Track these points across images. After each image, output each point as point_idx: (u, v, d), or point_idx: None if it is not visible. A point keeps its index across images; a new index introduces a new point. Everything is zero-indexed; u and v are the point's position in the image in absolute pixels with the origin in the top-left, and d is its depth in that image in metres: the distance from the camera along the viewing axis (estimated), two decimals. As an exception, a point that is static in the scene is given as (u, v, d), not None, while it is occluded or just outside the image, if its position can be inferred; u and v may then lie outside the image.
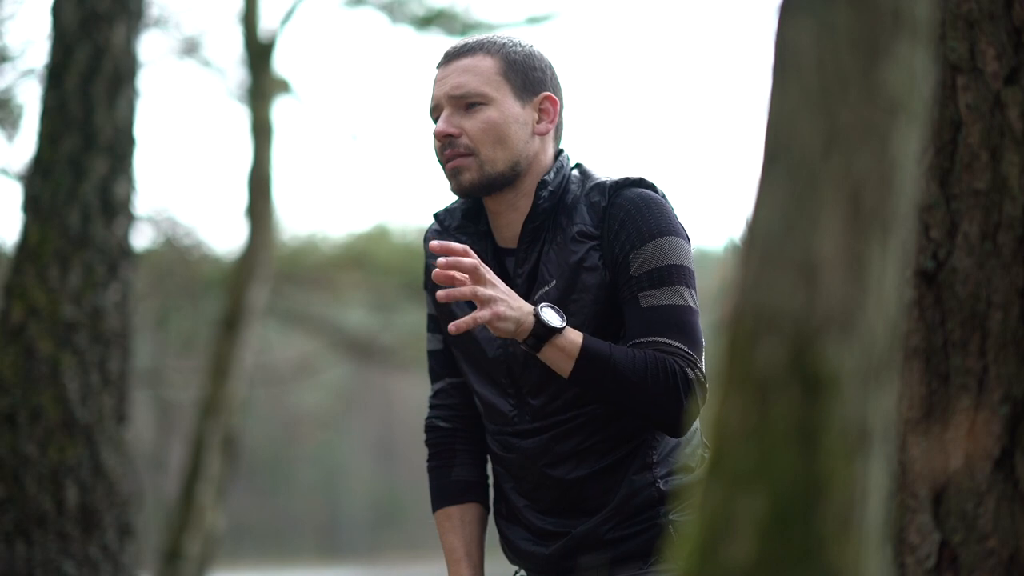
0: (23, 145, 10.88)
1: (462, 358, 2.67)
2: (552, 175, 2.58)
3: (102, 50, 4.85)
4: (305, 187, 24.50)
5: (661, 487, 2.56)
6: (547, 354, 2.46)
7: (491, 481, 2.75)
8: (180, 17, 11.73)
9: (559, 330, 2.44)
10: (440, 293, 2.42)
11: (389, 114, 25.85)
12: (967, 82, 2.02)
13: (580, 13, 26.65)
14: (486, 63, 2.58)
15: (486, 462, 2.75)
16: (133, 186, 4.89)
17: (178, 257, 13.30)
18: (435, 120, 2.61)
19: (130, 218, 4.87)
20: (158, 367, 15.27)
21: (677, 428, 2.49)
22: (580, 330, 2.52)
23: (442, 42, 11.82)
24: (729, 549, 1.29)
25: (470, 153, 2.55)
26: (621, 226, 2.52)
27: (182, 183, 24.29)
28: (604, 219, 2.54)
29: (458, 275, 2.41)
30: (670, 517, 2.55)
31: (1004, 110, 2.00)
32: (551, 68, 2.64)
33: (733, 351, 1.33)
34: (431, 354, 2.75)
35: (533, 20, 11.47)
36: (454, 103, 2.57)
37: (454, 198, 2.67)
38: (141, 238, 12.35)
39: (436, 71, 2.63)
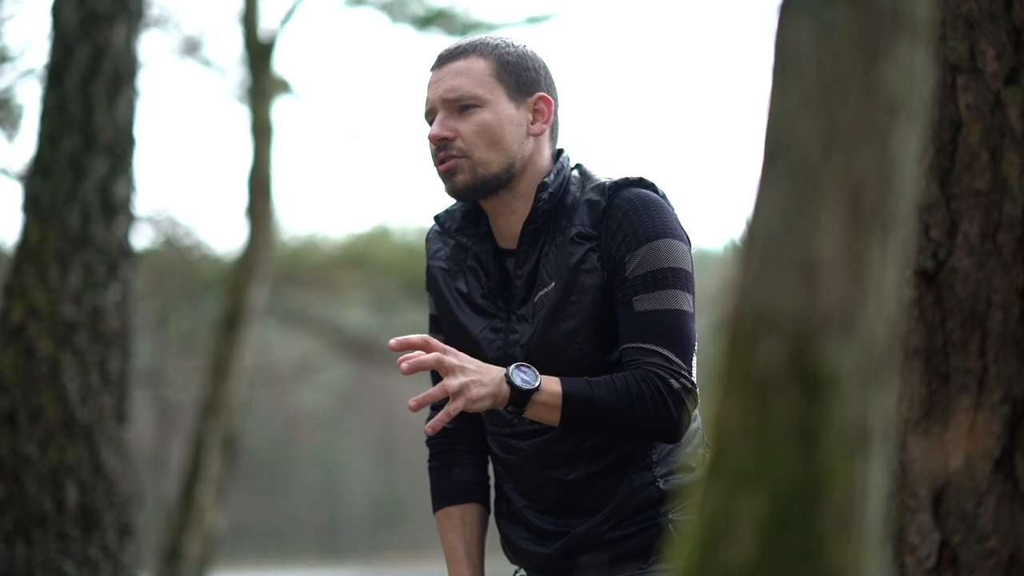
0: (23, 145, 10.89)
1: (462, 359, 2.67)
2: (552, 177, 2.58)
3: (102, 50, 4.85)
4: (305, 187, 24.51)
5: (661, 486, 2.56)
6: (531, 413, 2.47)
7: (492, 481, 2.75)
8: (180, 17, 11.74)
9: (535, 389, 2.44)
10: (404, 366, 2.41)
11: (389, 114, 25.84)
12: (967, 82, 2.02)
13: (580, 13, 26.65)
14: (479, 65, 2.58)
15: (487, 462, 2.75)
16: (133, 186, 4.89)
17: (178, 257, 13.30)
18: (430, 123, 2.61)
19: (130, 218, 4.88)
20: (158, 367, 15.27)
21: (672, 438, 2.50)
22: (579, 332, 2.52)
23: (442, 42, 11.82)
24: (729, 549, 1.29)
25: (464, 155, 2.55)
26: (618, 227, 2.52)
27: (182, 183, 24.31)
28: (602, 220, 2.54)
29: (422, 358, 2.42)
30: (670, 516, 2.55)
31: (1004, 110, 2.00)
32: (545, 68, 2.64)
33: (733, 351, 1.33)
34: (432, 354, 2.75)
35: (533, 20, 11.47)
36: (448, 106, 2.57)
37: (452, 200, 2.68)
38: (141, 238, 12.36)
39: (430, 74, 2.63)
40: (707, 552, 1.30)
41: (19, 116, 10.19)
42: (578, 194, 2.58)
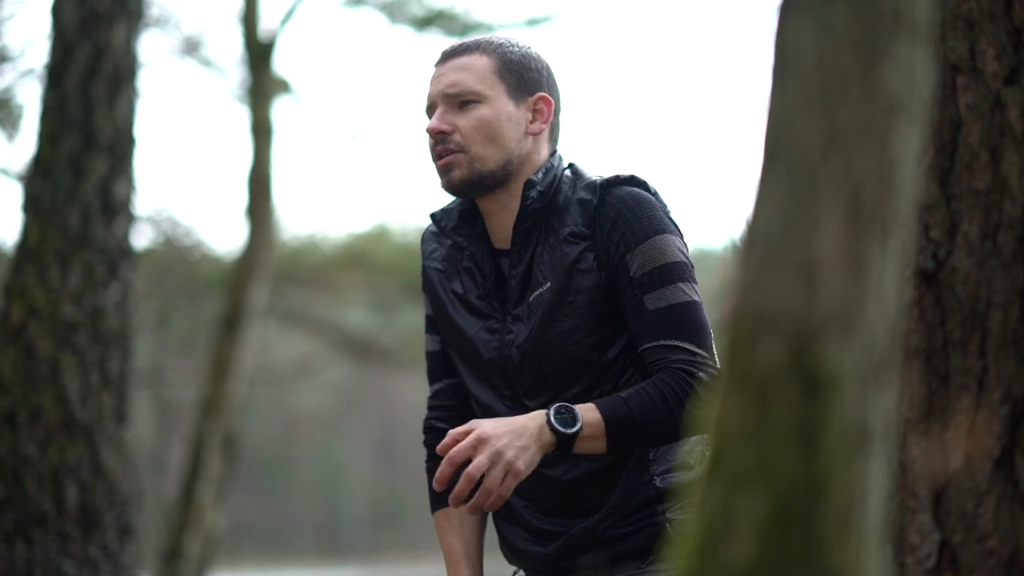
0: (23, 145, 10.89)
1: (458, 360, 2.67)
2: (540, 175, 2.58)
3: (102, 50, 4.85)
4: (305, 187, 24.50)
5: (659, 485, 2.56)
6: (579, 448, 2.46)
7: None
8: (180, 17, 11.74)
9: (580, 429, 2.44)
10: (439, 486, 2.41)
11: (389, 114, 25.84)
12: (967, 82, 2.02)
13: (580, 14, 26.65)
14: (481, 62, 2.59)
15: (486, 462, 2.74)
16: (133, 186, 4.89)
17: (178, 257, 13.31)
18: (430, 118, 2.61)
19: (130, 218, 4.88)
20: (158, 367, 15.27)
21: None
22: (575, 332, 2.52)
23: (442, 43, 11.82)
24: (729, 549, 1.29)
25: (461, 150, 2.56)
26: (613, 227, 2.53)
27: (182, 183, 24.30)
28: (595, 219, 2.54)
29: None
30: (668, 515, 2.55)
31: (1004, 110, 2.00)
32: (548, 69, 2.65)
33: (733, 351, 1.33)
34: (429, 355, 2.75)
35: (533, 22, 11.47)
36: (448, 101, 2.58)
37: (450, 198, 2.68)
38: (141, 238, 12.36)
39: (433, 69, 2.64)
40: (707, 552, 1.30)
41: (19, 116, 10.19)
42: (570, 193, 2.59)
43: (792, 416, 1.29)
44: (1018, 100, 1.99)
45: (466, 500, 2.41)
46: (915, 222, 2.00)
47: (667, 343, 2.50)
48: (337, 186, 27.76)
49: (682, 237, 2.57)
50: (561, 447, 2.44)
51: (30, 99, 10.16)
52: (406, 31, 12.54)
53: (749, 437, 1.30)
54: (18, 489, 4.51)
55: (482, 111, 2.57)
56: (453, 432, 2.42)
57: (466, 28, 11.31)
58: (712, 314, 2.55)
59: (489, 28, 11.19)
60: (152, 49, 12.66)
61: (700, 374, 2.48)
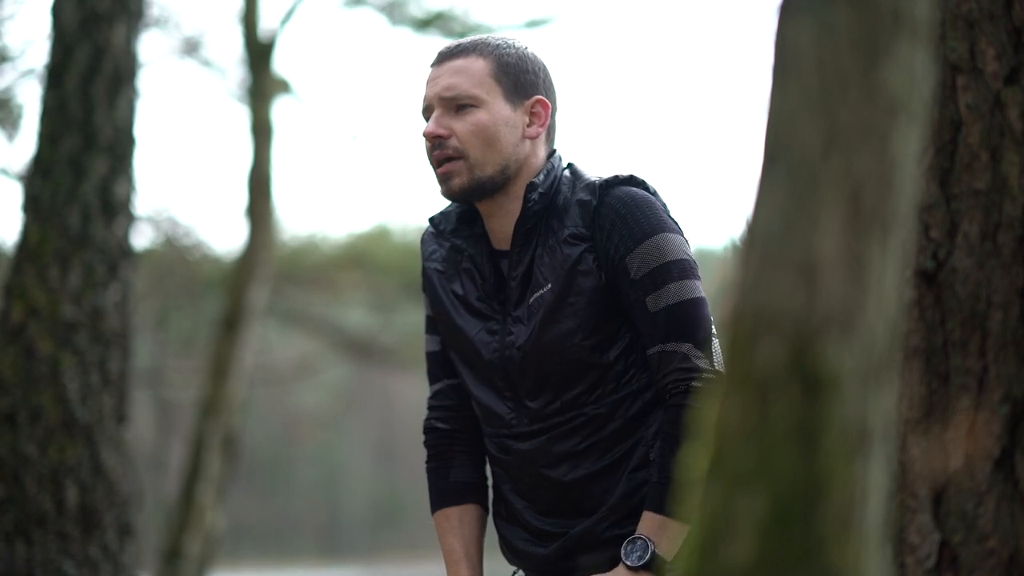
0: (23, 145, 10.89)
1: (459, 361, 2.67)
2: (542, 177, 2.58)
3: (102, 50, 4.84)
4: (305, 187, 24.50)
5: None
6: (670, 551, 2.48)
7: (490, 482, 2.75)
8: (180, 17, 11.73)
9: (655, 551, 2.47)
10: None
11: (389, 114, 25.84)
12: (967, 82, 2.02)
13: (580, 15, 26.64)
14: (478, 65, 2.58)
15: (485, 463, 2.75)
16: (133, 186, 4.89)
17: (178, 257, 13.30)
18: (427, 119, 2.61)
19: (130, 218, 4.87)
20: (158, 367, 15.27)
21: None
22: (576, 333, 2.53)
23: (441, 44, 11.81)
24: (729, 549, 1.29)
25: (459, 156, 2.55)
26: (613, 227, 2.53)
27: (182, 183, 24.30)
28: (595, 220, 2.54)
29: None
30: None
31: (1004, 110, 2.00)
32: (545, 71, 2.64)
33: (733, 351, 1.33)
34: (429, 355, 2.75)
35: (532, 23, 11.46)
36: (445, 104, 2.57)
37: (447, 201, 2.68)
38: (141, 238, 12.36)
39: (430, 70, 2.63)
40: (707, 552, 1.30)
41: (19, 116, 10.19)
42: (569, 194, 2.58)
43: (792, 416, 1.29)
44: (1018, 100, 1.99)
45: None
46: (915, 222, 2.00)
47: (666, 347, 2.51)
48: (337, 186, 27.77)
49: (682, 234, 2.57)
50: (657, 568, 2.48)
51: (30, 99, 10.17)
52: (406, 32, 12.54)
53: (749, 437, 1.30)
54: (18, 489, 4.51)
55: (479, 115, 2.56)
56: None
57: (466, 29, 11.31)
58: (712, 314, 2.55)
59: (488, 30, 11.19)
60: (152, 49, 12.67)
61: (695, 384, 2.49)
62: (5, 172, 10.28)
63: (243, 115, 15.60)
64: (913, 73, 1.35)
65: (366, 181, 30.36)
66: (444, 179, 2.57)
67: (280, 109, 21.61)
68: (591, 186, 2.57)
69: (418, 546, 20.86)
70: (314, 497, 26.26)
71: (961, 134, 2.02)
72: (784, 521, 1.28)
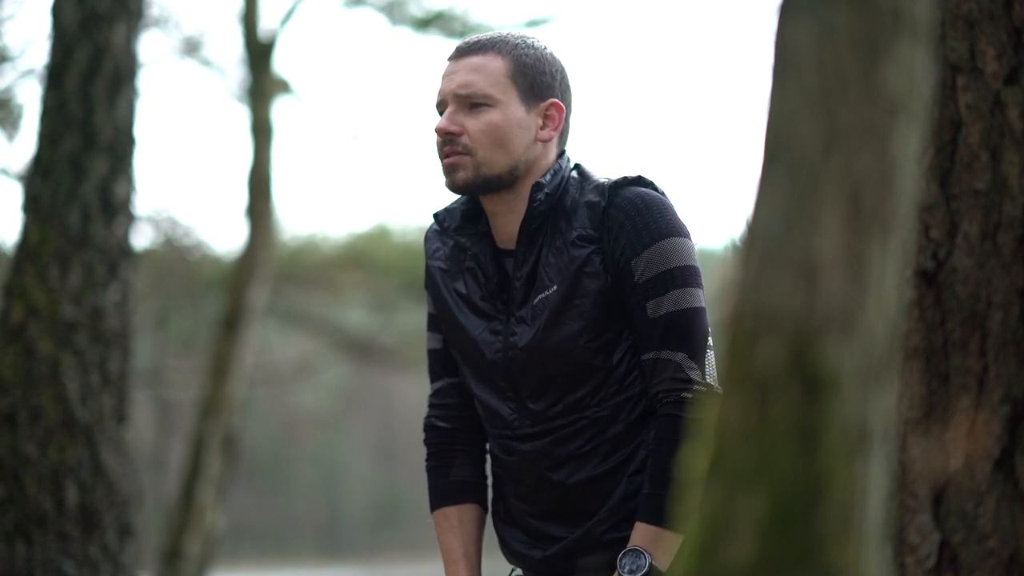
0: (23, 145, 10.88)
1: (462, 361, 2.67)
2: (548, 177, 2.57)
3: (102, 50, 4.84)
4: (305, 187, 24.49)
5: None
6: (670, 555, 2.48)
7: (489, 481, 2.75)
8: (180, 17, 11.73)
9: (652, 562, 2.47)
10: None
11: (389, 114, 25.83)
12: (967, 82, 2.02)
13: (580, 15, 26.63)
14: (495, 64, 2.56)
15: (485, 462, 2.74)
16: (133, 186, 4.89)
17: (178, 257, 13.30)
18: (440, 114, 2.59)
19: (130, 218, 4.87)
20: (158, 367, 15.26)
21: None
22: (580, 335, 2.53)
23: (442, 43, 11.83)
24: (729, 549, 1.29)
25: (468, 153, 2.54)
26: (621, 229, 2.52)
27: (182, 183, 24.28)
28: (603, 221, 2.53)
29: None
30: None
31: (1004, 110, 2.00)
32: (562, 72, 2.62)
33: (733, 351, 1.33)
34: (431, 353, 2.75)
35: (533, 23, 11.46)
36: (459, 101, 2.56)
37: (453, 197, 2.67)
38: (141, 238, 12.35)
39: (446, 64, 2.61)
40: (707, 552, 1.30)
41: (19, 116, 10.19)
42: (577, 195, 2.57)
43: (792, 416, 1.29)
44: (1018, 100, 1.99)
45: None
46: (915, 222, 2.00)
47: (660, 355, 2.50)
48: (337, 186, 27.75)
49: (690, 238, 2.56)
50: None
51: (30, 99, 10.16)
52: (406, 32, 12.54)
53: (749, 437, 1.30)
54: (18, 489, 4.51)
55: (492, 115, 2.54)
56: None
57: (466, 29, 11.31)
58: (713, 314, 2.55)
59: (489, 29, 11.14)
60: (152, 49, 12.66)
61: (686, 395, 2.49)
62: (5, 172, 10.28)
63: (243, 115, 15.60)
64: (913, 73, 1.35)
65: (366, 181, 30.34)
66: (449, 171, 2.55)
67: (280, 109, 21.62)
68: (600, 187, 2.56)
69: (418, 546, 20.85)
70: (314, 497, 26.25)
71: (961, 134, 2.02)
72: (784, 521, 1.28)
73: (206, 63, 11.82)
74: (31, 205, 4.78)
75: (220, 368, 9.34)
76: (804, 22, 1.34)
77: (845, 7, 1.33)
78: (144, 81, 6.60)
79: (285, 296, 14.38)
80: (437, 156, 2.58)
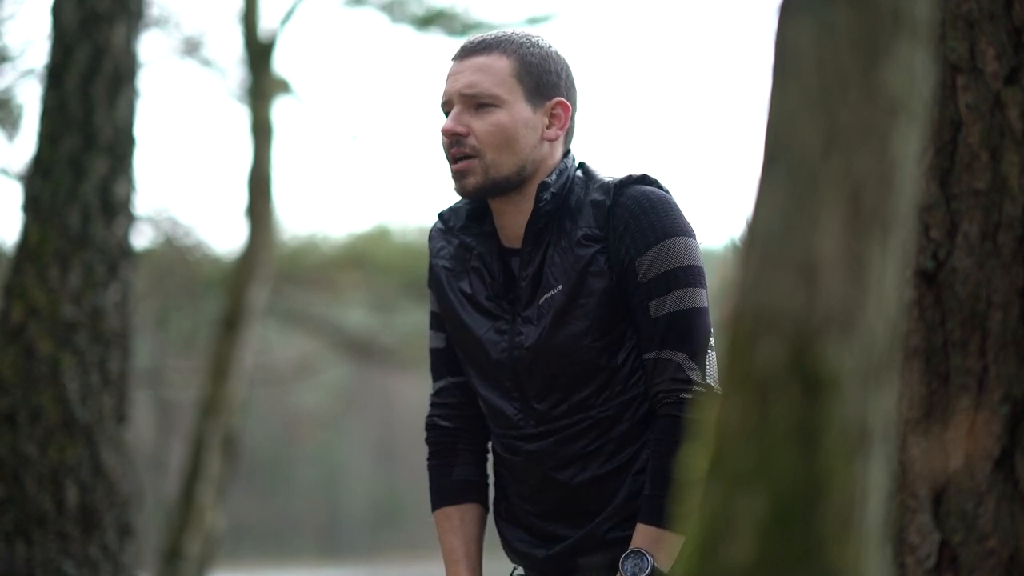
0: (23, 145, 10.88)
1: (466, 360, 2.66)
2: (554, 177, 2.56)
3: (102, 50, 4.84)
4: (305, 187, 24.49)
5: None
6: (668, 562, 2.49)
7: (491, 480, 2.74)
8: (180, 17, 11.73)
9: (655, 564, 2.47)
10: None
11: (389, 114, 25.83)
12: (967, 82, 2.02)
13: (580, 13, 26.64)
14: (501, 63, 2.55)
15: (487, 462, 2.74)
16: (133, 186, 4.89)
17: (178, 257, 13.30)
18: (446, 114, 2.58)
19: (130, 218, 4.87)
20: (158, 367, 15.26)
21: None
22: (586, 335, 2.52)
23: (442, 42, 11.83)
24: (729, 549, 1.29)
25: (475, 155, 2.53)
26: (626, 228, 2.51)
27: (182, 183, 24.28)
28: (608, 220, 2.53)
29: None
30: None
31: (1004, 110, 2.00)
32: (567, 71, 2.61)
33: (733, 351, 1.33)
34: (433, 352, 2.74)
35: (533, 20, 11.46)
36: (465, 101, 2.55)
37: (457, 197, 2.66)
38: (141, 238, 12.35)
39: (451, 63, 2.60)
40: (707, 552, 1.30)
41: (19, 116, 10.19)
42: (582, 195, 2.57)
43: (792, 416, 1.29)
44: (1018, 100, 1.99)
45: None
46: (915, 222, 2.00)
47: (663, 356, 2.50)
48: (337, 186, 27.75)
49: (695, 237, 2.55)
50: None
51: (30, 99, 10.16)
52: (406, 31, 12.54)
53: (749, 437, 1.30)
54: (18, 489, 4.51)
55: (499, 116, 2.54)
56: None
57: (466, 27, 11.31)
58: (713, 314, 2.55)
59: (489, 27, 11.17)
60: (152, 49, 12.66)
61: (686, 396, 2.49)
62: (5, 172, 10.28)
63: (243, 115, 15.59)
64: (913, 73, 1.35)
65: (366, 181, 30.35)
66: (459, 177, 2.55)
67: (280, 109, 21.61)
68: (605, 186, 2.55)
69: (418, 546, 20.85)
70: (314, 497, 26.26)
71: (961, 134, 2.02)
72: (784, 521, 1.28)
73: (206, 63, 11.82)
74: (31, 205, 4.78)
75: (220, 368, 9.34)
76: (804, 22, 1.34)
77: (845, 7, 1.33)
78: (144, 81, 6.60)
79: (285, 296, 14.38)
80: (444, 157, 2.58)
